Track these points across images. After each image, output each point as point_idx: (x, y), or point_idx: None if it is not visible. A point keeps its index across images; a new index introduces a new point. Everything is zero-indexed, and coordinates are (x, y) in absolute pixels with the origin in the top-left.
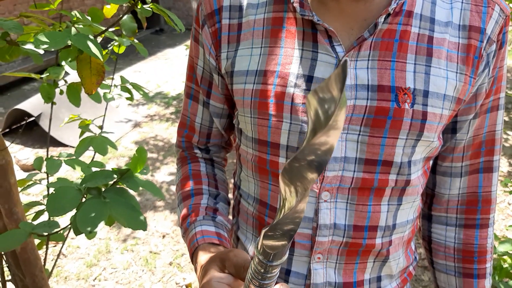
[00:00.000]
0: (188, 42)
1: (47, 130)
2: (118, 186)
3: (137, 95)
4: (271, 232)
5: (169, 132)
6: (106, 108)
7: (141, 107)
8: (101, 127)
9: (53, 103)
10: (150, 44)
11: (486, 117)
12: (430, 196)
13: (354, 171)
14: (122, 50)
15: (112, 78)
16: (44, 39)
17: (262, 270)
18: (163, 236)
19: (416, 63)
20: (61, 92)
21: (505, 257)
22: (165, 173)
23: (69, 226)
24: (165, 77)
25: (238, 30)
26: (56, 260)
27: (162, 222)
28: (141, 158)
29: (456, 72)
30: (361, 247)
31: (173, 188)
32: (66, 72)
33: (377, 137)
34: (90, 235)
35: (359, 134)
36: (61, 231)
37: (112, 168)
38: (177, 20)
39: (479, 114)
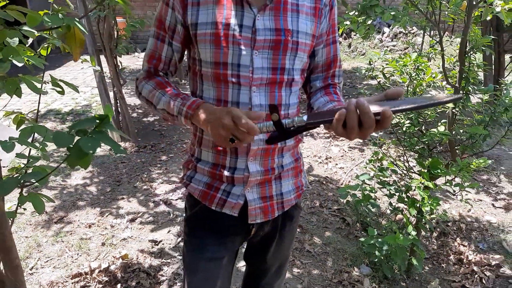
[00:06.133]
0: (68, 63)
1: None
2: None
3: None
4: None
5: None
6: (39, 102)
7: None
8: (36, 120)
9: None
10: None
11: (331, 47)
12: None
13: (267, 74)
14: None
15: (42, 77)
16: (47, 19)
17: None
18: (89, 226)
19: (292, 17)
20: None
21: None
22: (77, 178)
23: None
24: (53, 97)
25: None
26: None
27: (85, 216)
28: (109, 112)
29: (311, 21)
30: None
31: (90, 189)
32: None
33: (276, 55)
34: (87, 161)
35: (268, 54)
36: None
37: (94, 115)
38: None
39: (326, 45)
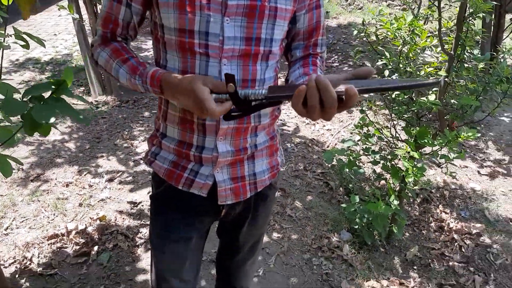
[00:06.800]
0: (50, 7)
1: None
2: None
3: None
4: None
5: None
6: (2, 57)
7: (14, 74)
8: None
9: None
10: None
11: (314, 12)
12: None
13: (240, 45)
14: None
15: (4, 30)
16: None
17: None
18: (67, 185)
19: None
20: None
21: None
22: (55, 133)
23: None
24: (32, 44)
25: None
26: None
27: (62, 174)
28: (68, 77)
29: None
30: None
31: (68, 145)
32: None
33: (251, 23)
34: (46, 129)
35: (241, 21)
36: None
37: (49, 80)
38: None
39: (308, 10)
